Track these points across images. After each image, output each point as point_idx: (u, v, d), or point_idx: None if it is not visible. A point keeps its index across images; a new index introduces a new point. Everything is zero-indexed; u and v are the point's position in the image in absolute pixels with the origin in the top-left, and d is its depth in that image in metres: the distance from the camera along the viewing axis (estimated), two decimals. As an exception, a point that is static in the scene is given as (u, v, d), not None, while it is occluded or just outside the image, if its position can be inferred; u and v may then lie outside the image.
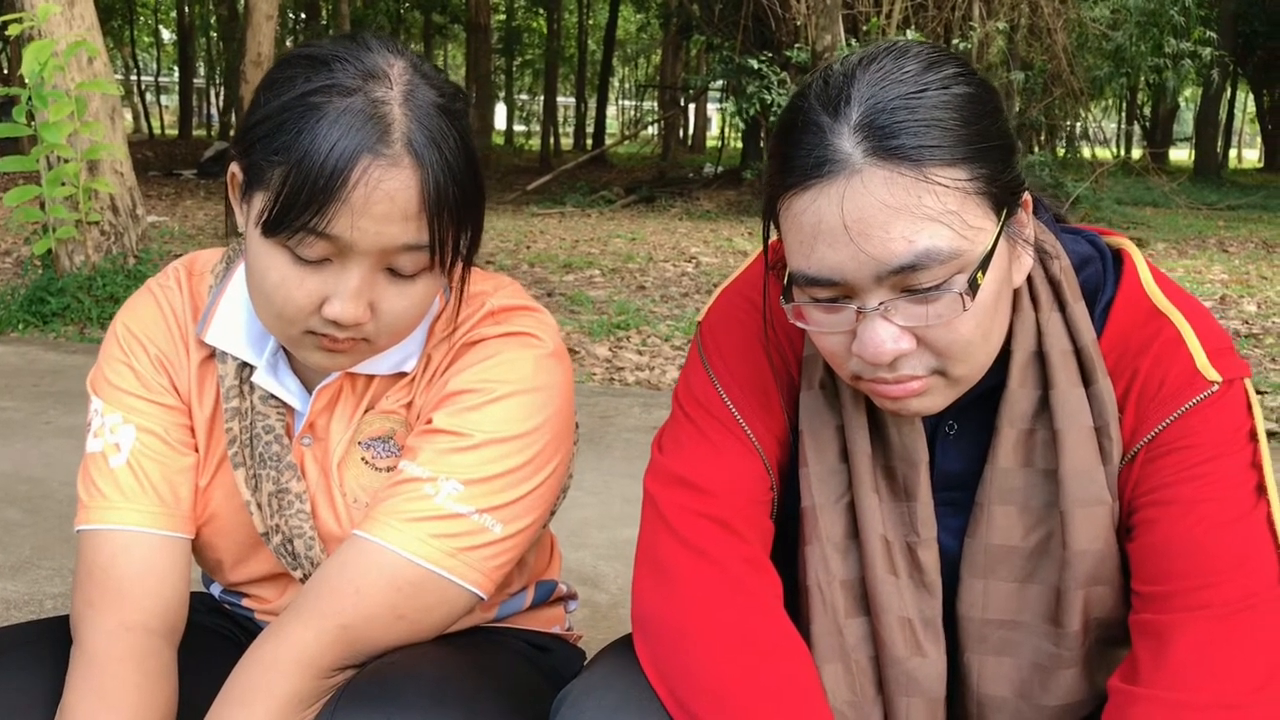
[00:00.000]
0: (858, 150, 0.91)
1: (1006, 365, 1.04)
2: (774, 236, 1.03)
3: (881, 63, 0.95)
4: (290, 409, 1.21)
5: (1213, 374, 1.00)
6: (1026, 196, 1.01)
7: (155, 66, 38.52)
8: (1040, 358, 1.04)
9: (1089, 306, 1.06)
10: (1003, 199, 0.96)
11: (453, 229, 1.06)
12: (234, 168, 1.10)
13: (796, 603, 1.11)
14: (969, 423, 1.08)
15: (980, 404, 1.06)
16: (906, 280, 0.93)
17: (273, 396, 1.19)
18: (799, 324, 1.01)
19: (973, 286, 0.94)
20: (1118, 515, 1.03)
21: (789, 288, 1.00)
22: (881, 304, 0.94)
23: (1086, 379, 1.03)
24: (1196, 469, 0.99)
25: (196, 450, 1.22)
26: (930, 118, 0.91)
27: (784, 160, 0.96)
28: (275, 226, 1.02)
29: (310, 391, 1.20)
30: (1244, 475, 0.99)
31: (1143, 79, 15.10)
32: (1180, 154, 32.93)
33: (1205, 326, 1.04)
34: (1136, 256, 1.09)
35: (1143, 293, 1.06)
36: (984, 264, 0.94)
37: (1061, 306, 1.05)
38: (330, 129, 1.00)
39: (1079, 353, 1.03)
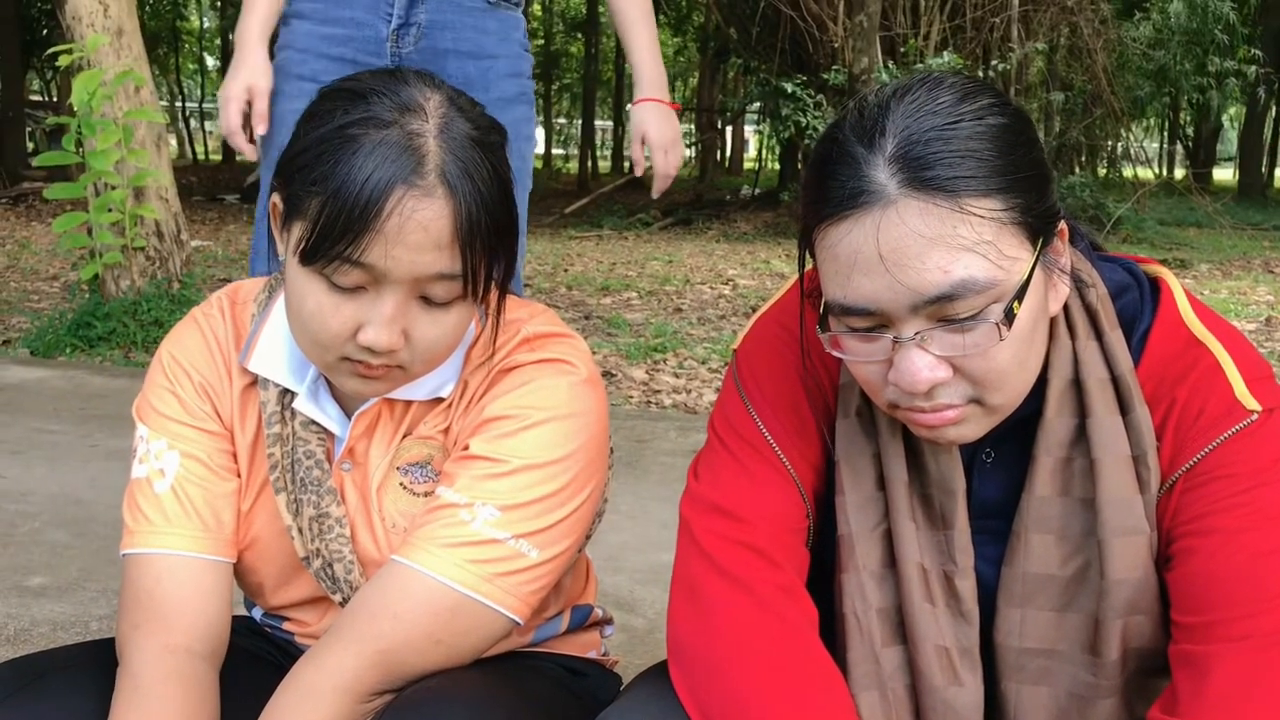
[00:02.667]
0: (892, 181, 0.92)
1: (1043, 393, 1.04)
2: (809, 265, 1.04)
3: (916, 94, 0.95)
4: (331, 435, 1.23)
5: (1252, 403, 1.00)
6: (1063, 225, 1.01)
7: (199, 93, 39.17)
8: (1077, 386, 1.04)
9: (1126, 335, 1.05)
10: (1038, 228, 0.96)
11: (485, 258, 1.08)
12: (275, 198, 1.13)
13: (833, 631, 1.11)
14: (1006, 451, 1.08)
15: (1017, 432, 1.06)
16: (943, 310, 0.93)
17: (313, 422, 1.21)
18: (835, 353, 1.01)
19: (1009, 316, 0.94)
20: (1156, 545, 1.03)
21: (825, 317, 1.00)
22: (918, 334, 0.94)
23: (1124, 407, 1.03)
24: (1236, 498, 0.98)
25: (239, 475, 1.24)
26: (965, 149, 0.92)
27: (819, 191, 0.97)
28: (312, 255, 1.04)
29: (350, 417, 1.22)
30: None
31: (1186, 98, 14.96)
32: (1224, 174, 32.54)
33: (1244, 355, 1.03)
34: (1174, 284, 1.09)
35: (1180, 321, 1.05)
36: (1020, 294, 0.94)
37: (1098, 335, 1.05)
38: (366, 160, 1.02)
39: (1116, 381, 1.03)
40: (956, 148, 0.92)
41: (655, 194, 2.32)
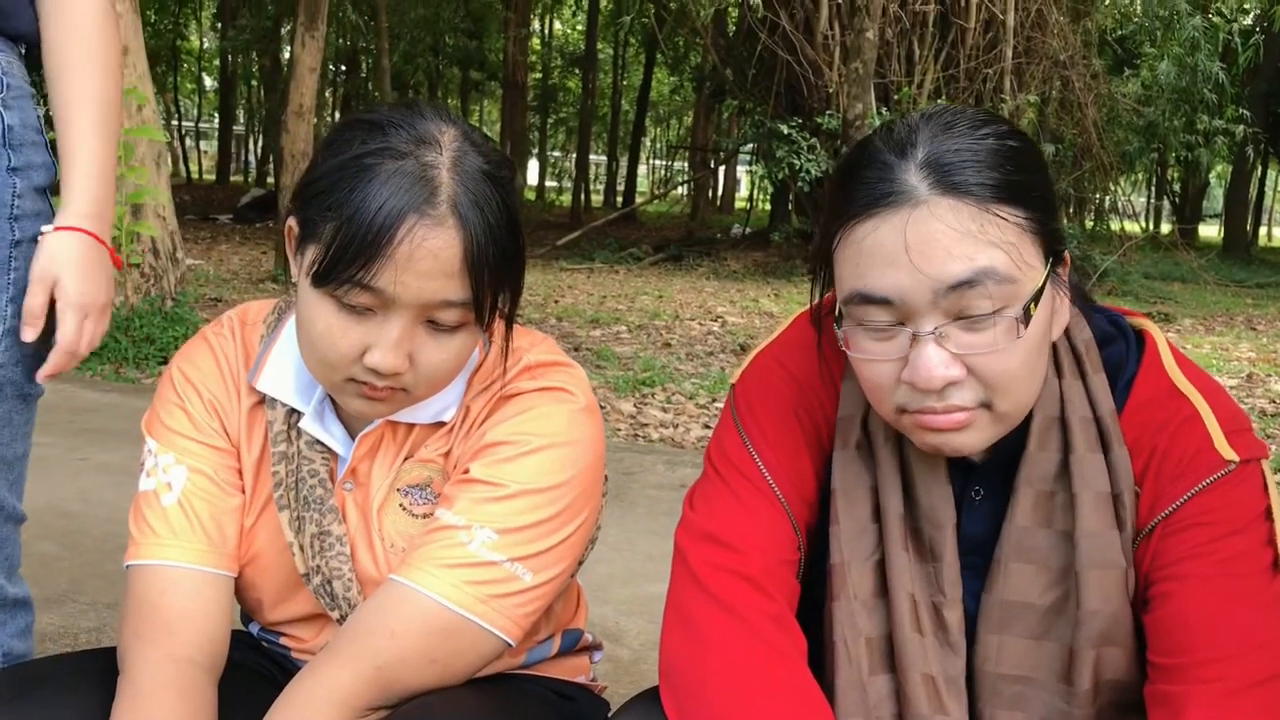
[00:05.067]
0: (923, 184, 0.98)
1: (1029, 428, 1.08)
2: (816, 294, 1.09)
3: (943, 117, 1.03)
4: (334, 454, 1.26)
5: (1230, 453, 1.04)
6: (1067, 255, 1.06)
7: (196, 112, 39.26)
8: (1062, 423, 1.08)
9: (1111, 382, 1.10)
10: (1051, 244, 1.02)
11: (491, 287, 1.11)
12: (291, 221, 1.16)
13: (822, 661, 1.14)
14: (994, 489, 1.12)
15: (1006, 470, 1.10)
16: (963, 299, 0.97)
17: (318, 442, 1.24)
18: (850, 352, 1.04)
19: (1026, 316, 0.99)
20: (1133, 582, 1.06)
21: (839, 317, 1.04)
22: (936, 329, 0.98)
23: (1105, 446, 1.07)
24: (1212, 545, 1.02)
25: (243, 492, 1.27)
26: (990, 161, 0.99)
27: (847, 194, 1.02)
28: (324, 278, 1.08)
29: (354, 438, 1.25)
30: (1260, 552, 1.02)
31: (1174, 155, 15.15)
32: (1209, 230, 32.85)
33: (1223, 407, 1.07)
34: (1158, 337, 1.13)
35: (1164, 372, 1.10)
36: (1035, 297, 0.99)
37: (1082, 375, 1.09)
38: (381, 189, 1.06)
39: (1098, 421, 1.08)
40: (983, 159, 0.99)
41: (42, 377, 1.42)
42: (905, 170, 0.99)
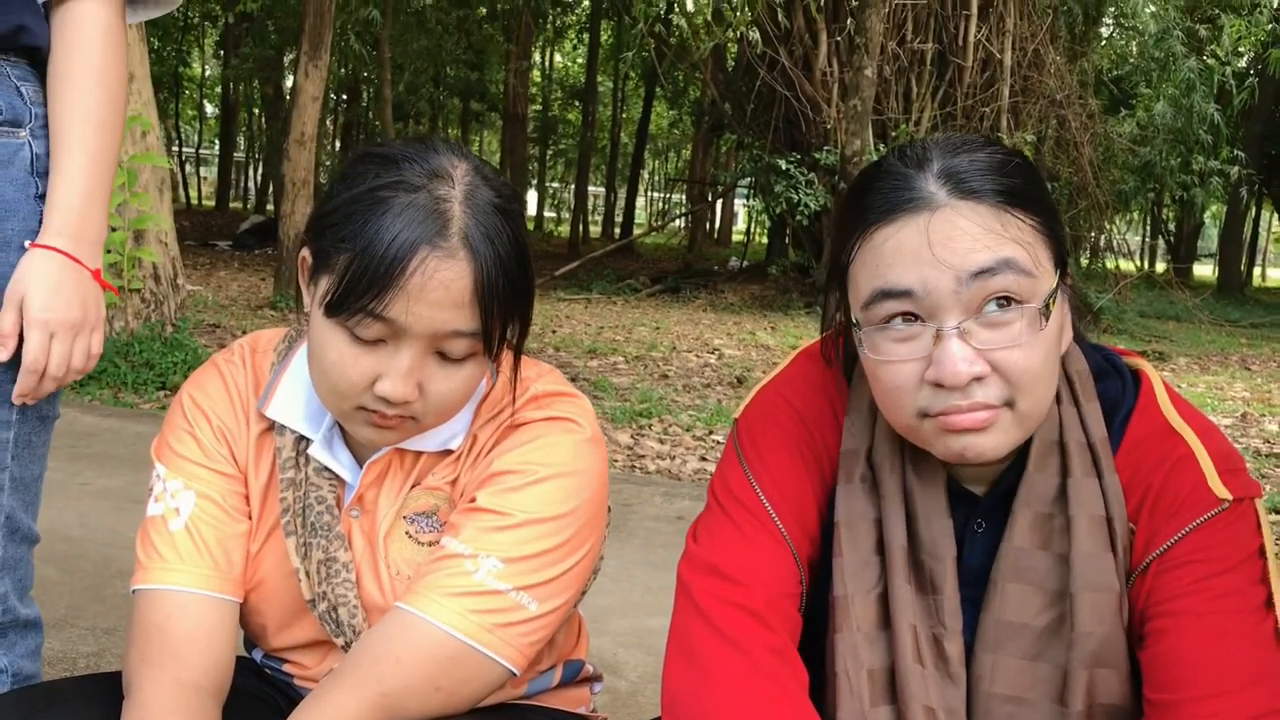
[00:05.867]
0: (941, 191, 1.02)
1: (1028, 453, 1.11)
2: (826, 322, 1.11)
3: (951, 139, 1.07)
4: (342, 481, 1.27)
5: (1223, 492, 1.06)
6: (1070, 273, 1.10)
7: (197, 139, 39.44)
8: (1060, 447, 1.11)
9: (1107, 420, 1.12)
10: (1059, 254, 1.06)
11: (501, 318, 1.13)
12: (304, 252, 1.18)
13: (823, 693, 1.15)
14: (996, 522, 1.13)
15: (1007, 504, 1.12)
16: (986, 289, 1.00)
17: (326, 469, 1.26)
18: (871, 355, 1.06)
19: (1046, 311, 1.02)
20: (1128, 616, 1.08)
21: (857, 326, 1.07)
22: (959, 324, 1.01)
23: (1098, 472, 1.09)
24: (1206, 583, 1.04)
25: (250, 518, 1.28)
26: (1001, 172, 1.03)
27: (862, 205, 1.06)
28: (337, 308, 1.10)
29: (362, 466, 1.26)
30: (1252, 590, 1.04)
31: (1169, 194, 15.25)
32: (1204, 270, 33.02)
33: (1217, 446, 1.09)
34: (1154, 376, 1.15)
35: (1159, 411, 1.12)
36: (1052, 295, 1.03)
37: (1076, 403, 1.12)
38: (394, 221, 1.08)
39: (1091, 447, 1.10)
40: (995, 169, 1.04)
41: (15, 399, 1.38)
42: (923, 179, 1.03)
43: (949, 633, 1.12)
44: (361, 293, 1.08)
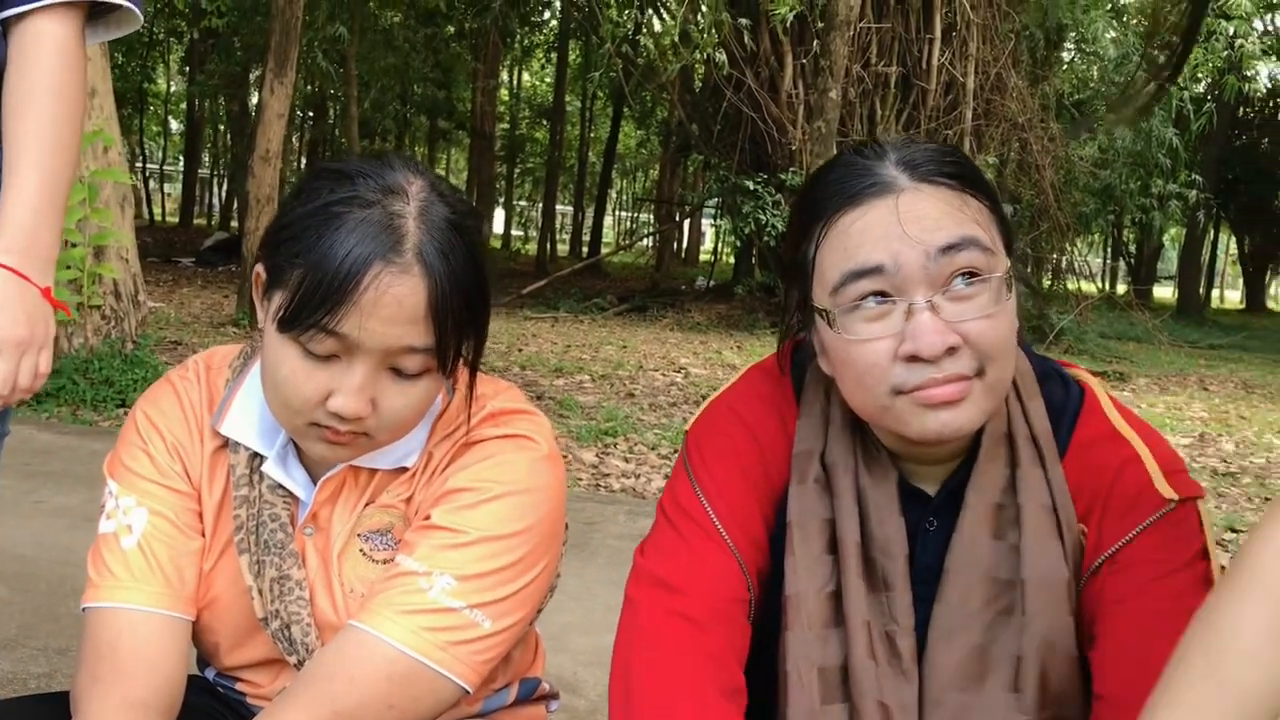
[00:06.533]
0: (903, 176, 1.07)
1: (979, 446, 1.14)
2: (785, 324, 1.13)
3: (900, 137, 1.15)
4: (296, 499, 1.26)
5: (1169, 492, 1.09)
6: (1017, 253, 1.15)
7: (161, 155, 39.11)
8: (1009, 439, 1.14)
9: (1055, 426, 1.15)
10: (1008, 238, 1.11)
11: (455, 334, 1.14)
12: (259, 268, 1.18)
13: (775, 693, 1.16)
14: (948, 520, 1.15)
15: (957, 501, 1.14)
16: (954, 263, 1.04)
17: (280, 486, 1.25)
18: (844, 335, 1.08)
19: (1009, 283, 1.07)
20: (1076, 605, 1.10)
21: (826, 314, 1.09)
22: (929, 299, 1.04)
23: (1043, 462, 1.13)
24: (1154, 583, 1.07)
25: (203, 535, 1.27)
26: (951, 162, 1.09)
27: (824, 195, 1.11)
28: (290, 323, 1.10)
29: (316, 483, 1.26)
30: (1196, 589, 1.06)
31: (1129, 217, 15.48)
32: (1164, 292, 33.46)
33: (1160, 449, 1.13)
34: (1096, 386, 1.19)
35: (1104, 416, 1.16)
36: (1008, 272, 1.08)
37: (1020, 398, 1.16)
38: (348, 236, 1.08)
39: (1035, 440, 1.14)
40: (945, 158, 1.10)
41: None
42: (884, 167, 1.08)
43: (901, 629, 1.13)
44: (314, 308, 1.08)
